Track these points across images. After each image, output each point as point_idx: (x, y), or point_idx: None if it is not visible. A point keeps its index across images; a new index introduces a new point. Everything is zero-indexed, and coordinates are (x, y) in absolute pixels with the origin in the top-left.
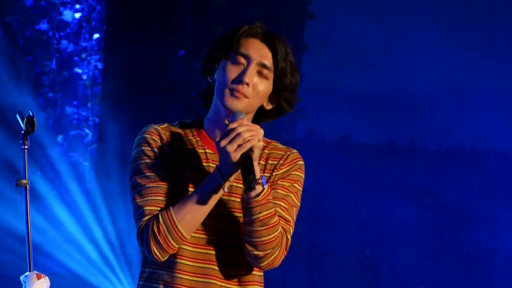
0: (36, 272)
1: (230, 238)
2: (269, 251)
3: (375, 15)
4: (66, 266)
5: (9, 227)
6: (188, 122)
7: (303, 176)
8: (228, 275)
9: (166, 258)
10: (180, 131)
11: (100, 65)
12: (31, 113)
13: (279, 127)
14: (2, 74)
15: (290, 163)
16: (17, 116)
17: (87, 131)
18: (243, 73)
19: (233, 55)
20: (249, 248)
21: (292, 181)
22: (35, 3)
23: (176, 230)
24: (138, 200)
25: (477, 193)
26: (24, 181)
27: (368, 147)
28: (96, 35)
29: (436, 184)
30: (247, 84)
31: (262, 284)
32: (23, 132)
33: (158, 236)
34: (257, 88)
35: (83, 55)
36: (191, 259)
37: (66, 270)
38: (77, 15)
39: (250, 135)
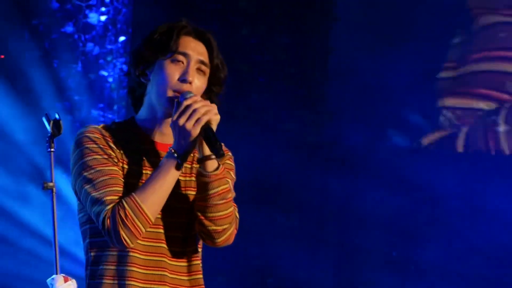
0: (63, 275)
1: (181, 217)
2: (226, 225)
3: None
4: None
5: (36, 230)
6: (121, 122)
7: (234, 165)
8: (176, 253)
9: (134, 244)
10: (117, 129)
11: (125, 68)
12: (57, 116)
13: (305, 130)
14: (28, 77)
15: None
16: (43, 119)
17: None
18: (186, 72)
19: (171, 55)
20: (207, 223)
21: (227, 170)
22: (61, 6)
23: (143, 212)
24: (95, 194)
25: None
26: (51, 184)
27: (395, 148)
28: (121, 38)
29: (463, 185)
30: (190, 82)
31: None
32: (49, 135)
33: (126, 221)
34: (197, 85)
35: (109, 58)
36: (143, 253)
37: None
38: (103, 17)
39: (206, 110)
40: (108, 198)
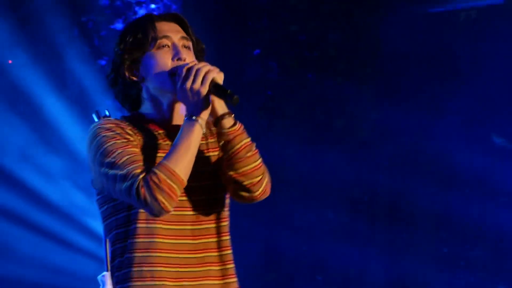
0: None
1: (206, 180)
2: (260, 176)
3: None
4: None
5: (86, 228)
6: (128, 115)
7: None
8: (202, 216)
9: (172, 207)
10: (128, 121)
11: None
12: (107, 113)
13: (355, 127)
14: (77, 74)
15: None
16: (94, 115)
17: None
18: (176, 51)
19: (155, 42)
20: (241, 179)
21: None
22: (110, 2)
23: (175, 174)
24: (122, 172)
25: None
26: None
27: (446, 143)
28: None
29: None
30: (184, 60)
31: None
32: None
33: (161, 185)
34: (189, 60)
35: None
36: (166, 222)
37: None
38: None
39: (208, 68)
40: (137, 170)
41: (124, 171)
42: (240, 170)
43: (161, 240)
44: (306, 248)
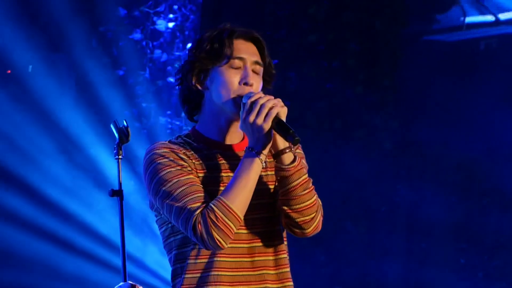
0: (131, 282)
1: (262, 212)
2: (313, 214)
3: None
4: (160, 276)
5: (104, 238)
6: (184, 134)
7: (303, 153)
8: (261, 248)
9: (227, 244)
10: (184, 142)
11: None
12: (125, 123)
13: (374, 137)
14: (95, 84)
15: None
16: (112, 126)
17: None
18: (245, 75)
19: (227, 61)
20: (294, 215)
21: (300, 159)
22: (128, 13)
23: (232, 212)
24: (178, 205)
25: None
26: (118, 191)
27: (461, 154)
28: (189, 45)
29: None
30: (251, 85)
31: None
32: (117, 142)
33: (218, 223)
34: (257, 86)
35: (177, 65)
36: (227, 255)
37: (160, 280)
38: (171, 24)
39: (273, 103)
40: (193, 205)
41: (180, 204)
42: (295, 207)
43: (218, 259)
44: (324, 259)
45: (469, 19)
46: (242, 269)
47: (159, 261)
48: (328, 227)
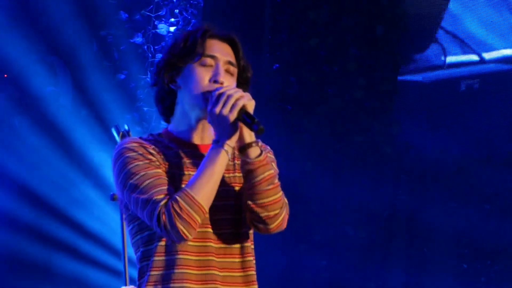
0: (133, 286)
1: (228, 213)
2: (278, 210)
3: None
4: None
5: (104, 242)
6: (156, 133)
7: (274, 158)
8: (226, 250)
9: (192, 236)
10: (154, 139)
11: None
12: (126, 127)
13: (375, 142)
14: (97, 88)
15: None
16: (113, 130)
17: None
18: (216, 73)
19: (199, 58)
20: (258, 210)
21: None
22: (129, 16)
23: (196, 203)
24: (144, 196)
25: None
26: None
27: (465, 158)
28: None
29: None
30: (221, 83)
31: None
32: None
33: (181, 213)
34: (227, 85)
35: None
36: (194, 254)
37: None
38: (172, 28)
39: (240, 95)
40: (158, 196)
41: (146, 196)
42: (259, 202)
43: (184, 256)
44: (325, 263)
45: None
46: (209, 268)
47: None
48: (329, 232)
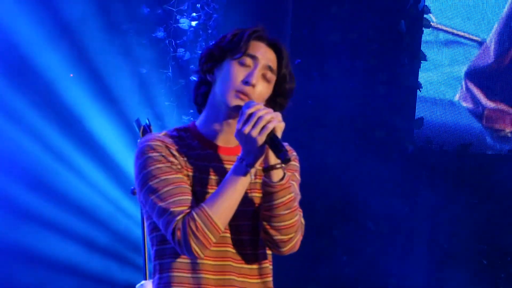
0: (152, 280)
1: (247, 219)
2: (292, 234)
3: None
4: None
5: (125, 236)
6: (182, 127)
7: (298, 165)
8: (244, 256)
9: (204, 254)
10: (179, 136)
11: None
12: (147, 122)
13: (396, 138)
14: (118, 83)
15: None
16: (134, 124)
17: None
18: (250, 74)
19: (240, 56)
20: (272, 232)
21: (292, 171)
22: (151, 11)
23: (213, 223)
24: (162, 204)
25: None
26: None
27: (487, 154)
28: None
29: None
30: (253, 85)
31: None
32: (139, 140)
33: (197, 233)
34: (260, 90)
35: None
36: (212, 258)
37: None
38: (194, 23)
39: (271, 117)
40: (176, 209)
41: (164, 205)
42: (275, 224)
43: (205, 275)
44: (346, 259)
45: None
46: (227, 273)
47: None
48: (350, 227)
